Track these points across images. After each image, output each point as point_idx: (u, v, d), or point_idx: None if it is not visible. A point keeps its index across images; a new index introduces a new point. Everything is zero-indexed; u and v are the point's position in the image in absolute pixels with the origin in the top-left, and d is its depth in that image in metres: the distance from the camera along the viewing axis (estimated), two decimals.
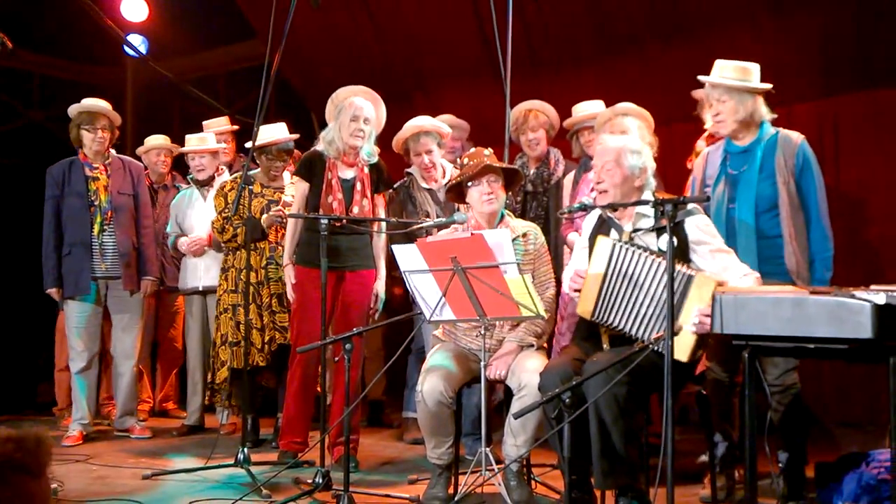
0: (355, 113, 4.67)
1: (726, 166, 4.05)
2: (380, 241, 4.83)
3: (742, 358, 3.04)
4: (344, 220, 4.55)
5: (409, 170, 5.26)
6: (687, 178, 4.89)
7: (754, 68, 4.03)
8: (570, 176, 5.09)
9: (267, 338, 5.19)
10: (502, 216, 4.14)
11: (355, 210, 4.68)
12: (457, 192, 4.19)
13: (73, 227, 5.47)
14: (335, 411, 4.65)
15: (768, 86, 4.01)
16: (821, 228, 3.92)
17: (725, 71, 4.02)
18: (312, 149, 4.86)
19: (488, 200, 4.02)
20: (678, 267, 3.36)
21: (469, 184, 4.06)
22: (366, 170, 4.76)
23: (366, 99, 4.75)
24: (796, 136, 3.97)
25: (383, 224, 4.81)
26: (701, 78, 4.10)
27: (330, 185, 4.68)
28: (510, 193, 4.40)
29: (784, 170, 3.90)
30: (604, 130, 4.55)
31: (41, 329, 6.55)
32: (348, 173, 4.74)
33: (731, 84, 3.97)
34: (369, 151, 4.72)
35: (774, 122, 4.09)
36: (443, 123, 5.23)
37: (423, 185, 5.14)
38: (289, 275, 4.79)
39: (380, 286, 4.81)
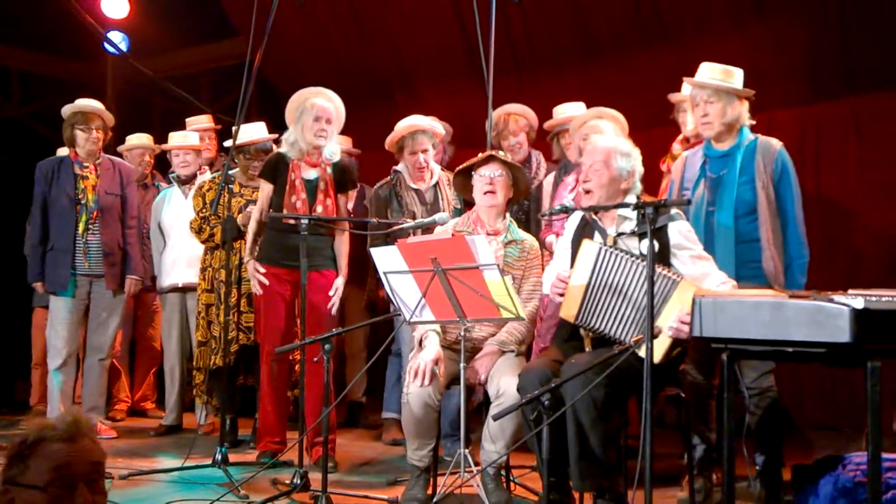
0: (318, 114, 4.68)
1: (706, 170, 4.07)
2: (343, 241, 4.81)
3: (720, 361, 3.05)
4: (332, 223, 4.58)
5: (396, 168, 5.24)
6: (661, 180, 4.92)
7: (738, 72, 4.06)
8: (551, 178, 5.10)
9: (229, 337, 5.16)
10: (503, 217, 4.15)
11: (319, 209, 4.69)
12: (462, 181, 4.24)
13: (58, 225, 5.47)
14: (310, 411, 4.61)
15: (752, 91, 4.04)
16: (797, 235, 3.96)
17: (713, 73, 4.04)
18: (276, 151, 4.87)
19: (487, 192, 4.05)
20: (663, 271, 3.38)
21: (474, 173, 4.11)
22: (329, 170, 4.76)
23: (326, 100, 4.76)
24: (775, 143, 4.01)
25: (347, 223, 4.81)
26: (689, 80, 4.11)
27: (294, 185, 4.69)
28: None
29: (763, 174, 3.93)
30: (578, 133, 4.57)
31: (17, 327, 6.49)
32: (311, 173, 4.74)
33: (721, 86, 3.99)
34: (332, 151, 4.73)
35: (757, 128, 4.12)
36: (438, 124, 5.22)
37: (411, 184, 5.11)
38: (251, 271, 4.75)
39: (338, 282, 4.77)
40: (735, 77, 4.04)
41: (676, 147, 4.88)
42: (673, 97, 4.92)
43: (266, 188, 4.80)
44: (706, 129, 4.06)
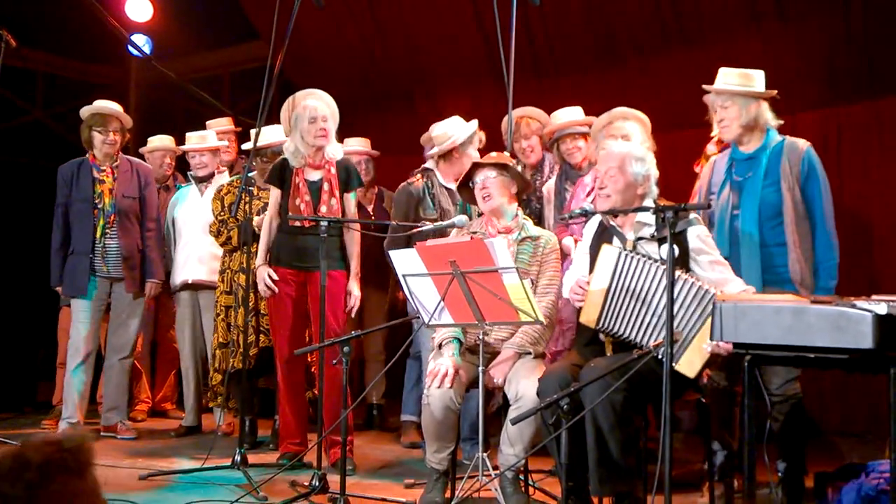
0: (312, 115, 4.67)
1: (731, 173, 4.05)
2: (352, 241, 4.80)
3: (742, 366, 3.03)
4: (355, 224, 4.59)
5: (426, 166, 5.23)
6: (694, 183, 4.88)
7: (758, 74, 4.04)
8: (551, 184, 5.05)
9: (249, 340, 5.17)
10: (514, 214, 4.14)
11: (323, 209, 4.68)
12: (467, 193, 4.27)
13: (78, 230, 5.51)
14: (328, 414, 4.60)
15: (773, 91, 4.01)
16: (826, 236, 3.91)
17: (729, 77, 4.05)
18: (281, 157, 4.86)
19: (484, 196, 4.08)
20: (700, 283, 3.36)
21: (471, 184, 4.14)
22: (332, 170, 4.76)
23: (316, 99, 4.74)
24: (802, 143, 3.97)
25: (357, 224, 4.82)
26: (705, 87, 4.10)
27: (297, 187, 4.70)
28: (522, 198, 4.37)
29: (789, 176, 3.89)
30: (602, 135, 4.53)
31: (41, 327, 6.55)
32: (314, 175, 4.74)
33: (734, 89, 3.99)
34: (333, 150, 4.76)
35: (778, 131, 4.08)
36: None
37: (445, 183, 5.07)
38: (261, 276, 4.75)
39: (353, 285, 4.77)
40: (753, 80, 4.02)
41: (711, 148, 4.82)
42: (708, 99, 4.87)
43: (274, 193, 4.82)
44: (725, 132, 4.07)
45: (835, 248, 3.92)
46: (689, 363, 3.34)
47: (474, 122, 5.11)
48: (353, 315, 4.82)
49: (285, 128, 4.78)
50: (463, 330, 4.03)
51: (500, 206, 4.10)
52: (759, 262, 3.85)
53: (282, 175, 4.77)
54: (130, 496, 4.07)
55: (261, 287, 4.76)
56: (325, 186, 4.72)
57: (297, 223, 4.62)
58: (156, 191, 5.88)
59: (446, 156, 5.08)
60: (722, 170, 4.11)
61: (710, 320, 3.23)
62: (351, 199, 4.84)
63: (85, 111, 5.63)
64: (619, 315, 3.55)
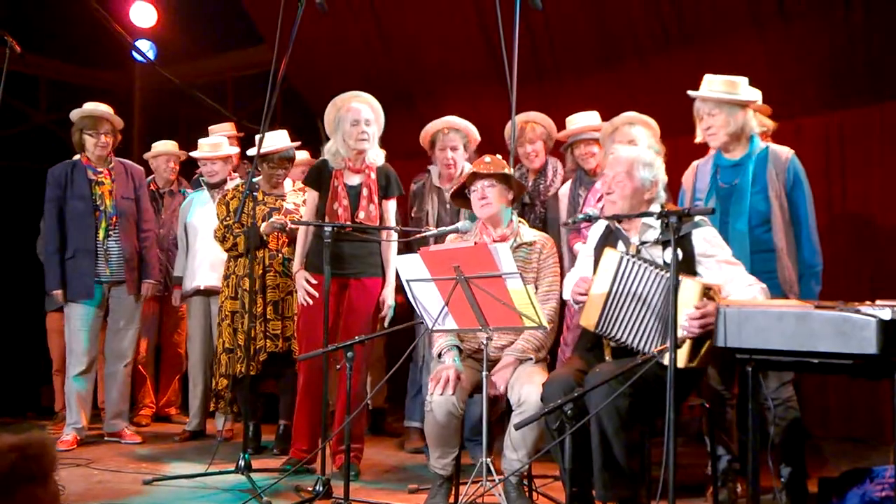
0: (355, 117, 4.66)
1: (717, 180, 4.07)
2: (389, 248, 4.79)
3: (745, 372, 3.02)
4: (348, 228, 4.55)
5: (430, 167, 5.25)
6: None
7: (742, 81, 4.06)
8: (566, 188, 5.05)
9: (258, 346, 5.18)
10: (510, 221, 4.14)
11: (361, 216, 4.67)
12: (462, 200, 4.25)
13: (78, 232, 5.48)
14: (338, 419, 4.64)
15: (758, 97, 4.02)
16: (811, 244, 3.96)
17: (714, 85, 4.06)
18: (321, 158, 4.86)
19: (482, 205, 4.07)
20: (666, 276, 3.35)
21: (466, 191, 4.14)
22: (372, 175, 4.74)
23: (361, 102, 4.74)
24: (786, 151, 4.01)
25: (393, 232, 4.79)
26: (690, 93, 4.12)
27: (336, 192, 4.68)
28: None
29: (776, 183, 3.94)
30: (610, 140, 4.54)
31: (43, 332, 6.55)
32: (354, 179, 4.73)
33: (721, 97, 4.00)
34: (375, 154, 4.74)
35: (781, 134, 4.09)
36: (474, 128, 5.23)
37: (437, 184, 5.09)
38: (300, 282, 4.76)
39: (388, 293, 4.77)
40: (738, 87, 4.04)
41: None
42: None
43: (311, 196, 4.81)
44: (711, 140, 4.09)
45: (819, 256, 3.98)
46: (684, 356, 3.32)
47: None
48: (385, 323, 4.80)
49: (328, 129, 4.76)
50: (460, 337, 4.04)
51: (496, 212, 4.09)
52: (749, 268, 3.85)
53: (320, 177, 4.76)
54: (135, 501, 4.09)
55: (300, 294, 4.75)
56: (364, 192, 4.69)
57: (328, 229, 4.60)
58: (148, 192, 5.90)
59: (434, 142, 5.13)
60: (706, 176, 4.13)
61: (683, 308, 3.24)
62: (390, 206, 4.82)
63: (75, 114, 5.62)
64: (618, 319, 3.54)
